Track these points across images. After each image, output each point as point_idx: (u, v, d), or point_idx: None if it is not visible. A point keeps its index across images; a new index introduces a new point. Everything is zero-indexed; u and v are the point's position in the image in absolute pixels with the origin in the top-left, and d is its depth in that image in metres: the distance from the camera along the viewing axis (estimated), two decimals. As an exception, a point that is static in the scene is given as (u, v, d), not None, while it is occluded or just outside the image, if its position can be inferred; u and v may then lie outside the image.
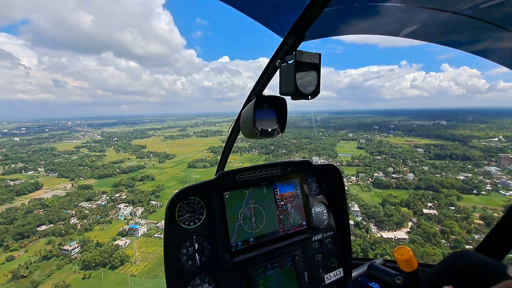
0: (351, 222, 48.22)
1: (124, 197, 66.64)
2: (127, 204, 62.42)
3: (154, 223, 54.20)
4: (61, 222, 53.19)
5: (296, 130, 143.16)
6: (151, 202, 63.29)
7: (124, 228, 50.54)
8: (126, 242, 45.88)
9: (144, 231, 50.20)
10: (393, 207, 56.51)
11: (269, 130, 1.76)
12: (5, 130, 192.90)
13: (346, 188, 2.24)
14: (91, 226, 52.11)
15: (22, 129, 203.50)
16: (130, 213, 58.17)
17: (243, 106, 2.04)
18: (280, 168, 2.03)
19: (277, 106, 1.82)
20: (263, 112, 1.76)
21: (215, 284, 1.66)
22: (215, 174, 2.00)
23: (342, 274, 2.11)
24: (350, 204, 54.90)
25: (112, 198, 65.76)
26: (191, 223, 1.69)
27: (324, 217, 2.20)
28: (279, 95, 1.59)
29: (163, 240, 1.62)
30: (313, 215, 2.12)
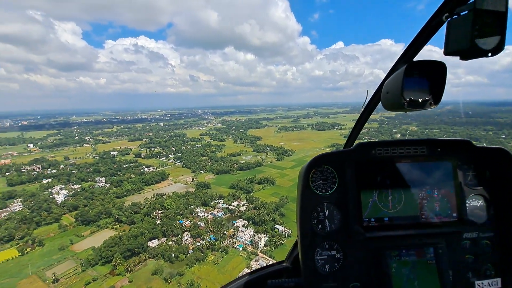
0: None
1: (243, 208, 50.30)
2: (246, 222, 45.30)
3: (284, 271, 33.59)
4: (174, 238, 41.06)
5: (446, 126, 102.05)
6: (276, 226, 43.50)
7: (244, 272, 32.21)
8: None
9: None
10: None
11: (420, 100, 1.41)
12: (157, 116, 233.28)
13: None
14: (204, 254, 36.98)
15: (167, 116, 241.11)
16: (251, 242, 40.17)
17: (385, 77, 1.72)
18: (427, 147, 1.67)
19: (431, 73, 1.41)
20: (412, 80, 1.42)
21: (343, 253, 1.61)
22: (344, 147, 1.89)
23: (500, 286, 1.63)
24: None
25: (229, 208, 50.58)
26: (323, 190, 1.66)
27: (482, 213, 1.69)
28: (435, 60, 1.35)
29: (297, 202, 1.66)
30: (467, 208, 1.67)
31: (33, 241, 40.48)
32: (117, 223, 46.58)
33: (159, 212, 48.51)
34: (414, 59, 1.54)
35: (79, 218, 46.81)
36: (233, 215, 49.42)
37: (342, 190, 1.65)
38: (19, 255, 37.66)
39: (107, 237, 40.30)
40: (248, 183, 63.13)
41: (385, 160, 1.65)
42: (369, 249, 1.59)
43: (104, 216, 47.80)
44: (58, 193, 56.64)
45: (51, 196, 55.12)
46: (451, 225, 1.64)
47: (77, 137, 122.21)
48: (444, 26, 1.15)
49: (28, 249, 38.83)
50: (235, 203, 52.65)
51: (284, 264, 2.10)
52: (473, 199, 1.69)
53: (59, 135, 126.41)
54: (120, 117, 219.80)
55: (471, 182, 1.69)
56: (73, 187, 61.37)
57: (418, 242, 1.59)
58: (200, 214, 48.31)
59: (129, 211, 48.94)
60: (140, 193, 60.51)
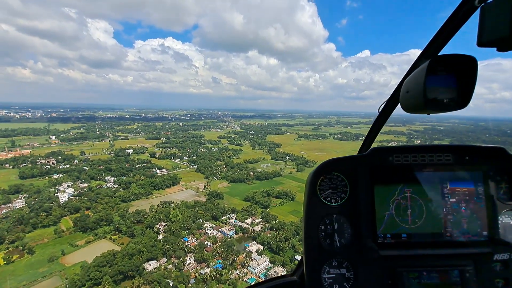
0: None
1: (258, 228, 43.10)
2: (261, 247, 38.04)
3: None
4: (175, 261, 34.70)
5: (485, 145, 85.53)
6: (296, 257, 35.79)
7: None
8: None
9: None
10: None
11: (445, 101, 1.23)
12: (177, 116, 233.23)
13: None
14: (208, 287, 30.19)
15: (188, 115, 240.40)
16: (265, 275, 32.80)
17: (405, 75, 1.52)
18: (453, 154, 1.47)
19: (458, 70, 1.23)
20: (437, 78, 1.24)
21: (353, 272, 1.46)
22: (358, 153, 1.73)
23: None
24: None
25: (242, 226, 43.61)
26: (332, 200, 1.51)
27: None
28: (463, 54, 1.17)
29: (303, 212, 1.51)
30: (499, 225, 1.45)
31: (24, 247, 36.02)
32: (116, 233, 41.30)
33: (163, 224, 42.61)
34: (439, 54, 1.33)
35: (77, 223, 42.12)
36: (246, 235, 42.36)
37: (354, 201, 1.48)
38: (4, 264, 33.18)
39: (102, 250, 34.86)
40: (265, 196, 55.92)
41: (404, 168, 1.45)
42: (383, 269, 1.41)
43: (104, 224, 42.73)
44: (64, 191, 52.86)
45: (55, 194, 51.40)
46: (481, 245, 1.41)
47: (98, 132, 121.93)
48: (477, 14, 0.94)
49: (15, 257, 34.31)
50: (249, 220, 45.58)
51: (292, 277, 1.89)
52: (506, 216, 1.46)
53: (81, 129, 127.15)
54: (143, 114, 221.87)
55: (504, 196, 1.47)
56: (81, 185, 57.66)
57: (441, 263, 1.40)
58: (208, 231, 41.75)
59: (131, 219, 43.58)
60: (147, 198, 55.37)
